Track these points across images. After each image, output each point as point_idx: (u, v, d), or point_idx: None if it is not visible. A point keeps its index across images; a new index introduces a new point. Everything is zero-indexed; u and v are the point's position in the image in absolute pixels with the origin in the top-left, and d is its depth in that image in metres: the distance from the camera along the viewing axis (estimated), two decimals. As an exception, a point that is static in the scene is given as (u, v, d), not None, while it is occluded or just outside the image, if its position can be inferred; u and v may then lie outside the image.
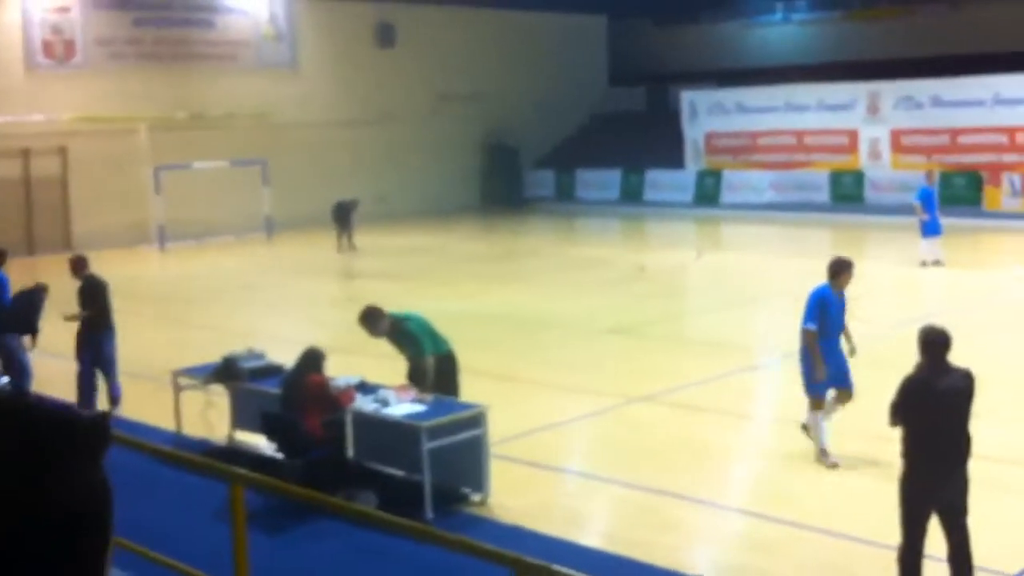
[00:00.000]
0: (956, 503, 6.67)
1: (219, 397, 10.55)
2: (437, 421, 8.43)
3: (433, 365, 9.28)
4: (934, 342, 6.88)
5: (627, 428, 11.13)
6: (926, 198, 21.24)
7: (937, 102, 31.09)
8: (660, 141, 35.80)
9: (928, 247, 21.00)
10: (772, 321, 17.05)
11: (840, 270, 9.66)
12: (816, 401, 9.52)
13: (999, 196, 29.35)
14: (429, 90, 35.12)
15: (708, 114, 35.72)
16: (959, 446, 6.71)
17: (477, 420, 8.66)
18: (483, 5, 36.10)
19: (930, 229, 20.97)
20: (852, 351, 9.67)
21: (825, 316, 9.45)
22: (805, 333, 9.52)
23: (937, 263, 20.80)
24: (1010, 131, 29.74)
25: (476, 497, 8.65)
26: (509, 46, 37.08)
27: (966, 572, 6.68)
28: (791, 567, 7.67)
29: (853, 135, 32.61)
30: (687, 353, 14.68)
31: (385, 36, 34.37)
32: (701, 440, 10.64)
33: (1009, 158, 29.69)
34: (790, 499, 8.84)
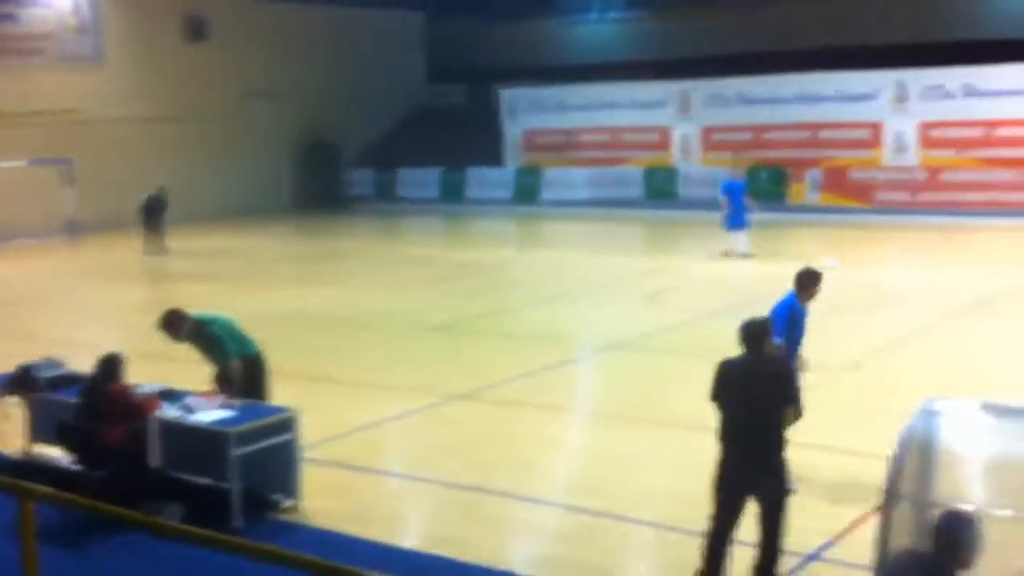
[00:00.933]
0: (767, 493, 6.79)
1: (15, 409, 9.92)
2: (245, 427, 8.12)
3: (240, 368, 8.94)
4: (748, 331, 7.01)
5: (446, 426, 11.03)
6: (731, 192, 22.04)
7: (744, 99, 32.22)
8: (481, 139, 35.95)
9: (733, 239, 21.81)
10: (590, 315, 17.34)
11: (810, 281, 9.06)
12: None
13: (803, 190, 30.65)
14: (241, 86, 34.22)
15: (527, 112, 36.07)
16: (766, 435, 6.81)
17: (287, 424, 8.38)
18: (297, 0, 35.43)
19: (735, 222, 21.77)
20: (805, 366, 8.99)
21: (792, 330, 8.84)
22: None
23: (741, 255, 21.60)
24: (812, 127, 31.08)
25: (288, 503, 8.37)
26: (325, 42, 36.50)
27: (767, 561, 6.82)
28: (604, 556, 7.71)
29: (665, 132, 33.49)
30: (508, 349, 14.70)
31: (195, 30, 33.28)
32: (520, 435, 10.64)
33: (811, 154, 31.02)
34: (605, 490, 8.91)
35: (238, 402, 8.56)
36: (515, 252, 24.80)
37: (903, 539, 4.73)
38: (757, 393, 6.86)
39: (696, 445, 10.03)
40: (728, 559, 6.84)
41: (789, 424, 6.99)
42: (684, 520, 8.02)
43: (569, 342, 15.16)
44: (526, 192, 34.86)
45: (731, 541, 6.83)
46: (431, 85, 40.34)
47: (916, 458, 4.85)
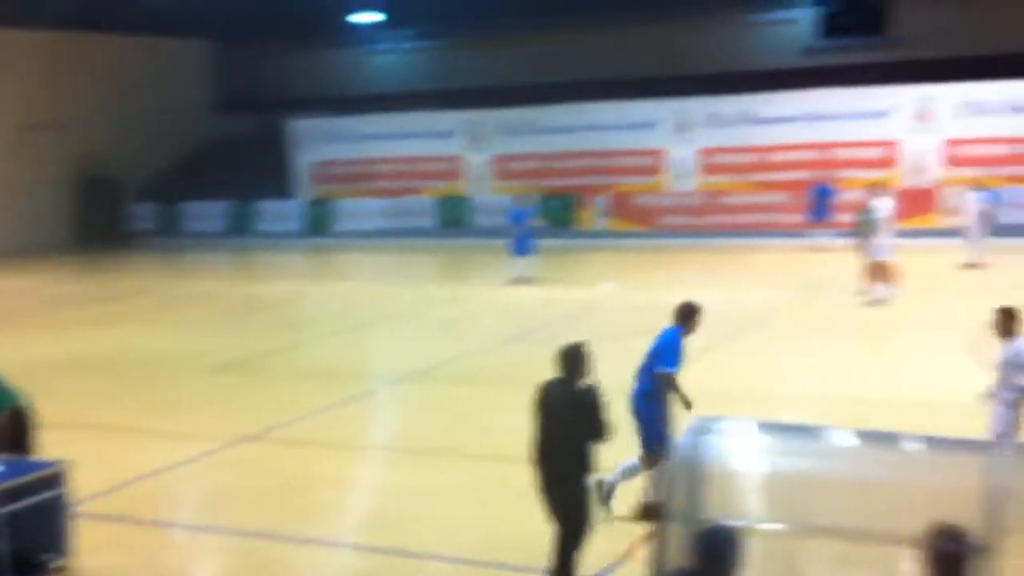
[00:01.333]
0: (565, 520, 6.92)
1: None
2: (7, 484, 7.58)
3: (2, 423, 8.35)
4: (563, 356, 7.24)
5: (234, 470, 10.62)
6: (518, 219, 22.49)
7: (534, 129, 32.81)
8: (271, 170, 35.25)
9: (520, 266, 22.21)
10: (384, 347, 17.17)
11: (694, 313, 9.08)
12: (655, 457, 8.52)
13: (591, 216, 31.41)
14: (17, 118, 32.45)
15: (318, 142, 35.63)
16: (567, 461, 6.90)
17: (55, 478, 7.87)
18: (68, 28, 33.79)
19: (521, 248, 22.20)
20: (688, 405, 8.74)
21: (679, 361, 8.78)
22: (667, 377, 8.71)
23: (528, 280, 21.99)
24: (599, 155, 31.92)
25: (58, 563, 7.86)
26: (104, 71, 35.04)
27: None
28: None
29: (457, 161, 33.72)
30: (299, 386, 14.33)
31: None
32: (313, 475, 10.36)
33: (598, 181, 31.84)
34: (401, 528, 8.76)
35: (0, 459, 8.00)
36: (306, 285, 24.37)
37: (675, 557, 4.80)
38: (563, 417, 6.96)
39: (495, 475, 10.06)
40: None
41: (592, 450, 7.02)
42: (482, 553, 7.99)
43: (363, 376, 14.94)
44: (318, 224, 34.40)
45: None
46: (219, 115, 39.32)
47: (687, 476, 4.94)
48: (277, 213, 35.00)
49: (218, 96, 39.75)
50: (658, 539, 4.78)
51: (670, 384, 8.69)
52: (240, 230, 34.76)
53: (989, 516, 4.58)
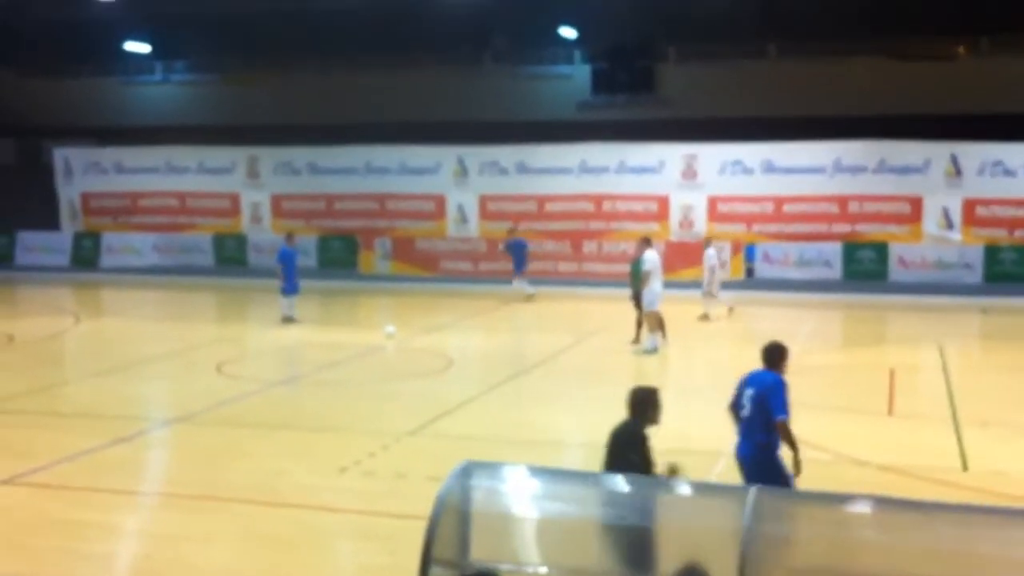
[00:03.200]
0: None
1: None
2: None
3: None
4: (630, 400, 7.59)
5: (-21, 516, 9.95)
6: (286, 259, 22.28)
7: (314, 169, 32.54)
8: (33, 200, 33.51)
9: (288, 304, 21.99)
10: (152, 388, 16.52)
11: (785, 354, 8.76)
12: None
13: (373, 259, 31.35)
14: None
15: (85, 173, 34.17)
16: None
17: None
18: None
19: (290, 288, 22.01)
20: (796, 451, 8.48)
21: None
22: (783, 427, 8.30)
23: (291, 320, 21.90)
24: (380, 198, 31.95)
25: None
26: None
27: None
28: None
29: (235, 198, 33.02)
30: (55, 428, 13.58)
31: None
32: (69, 521, 9.82)
33: (381, 223, 31.85)
34: (162, 573, 8.42)
35: None
36: (70, 322, 23.18)
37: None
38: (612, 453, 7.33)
39: (259, 520, 9.82)
40: None
41: None
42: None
43: (128, 419, 14.27)
44: (84, 258, 32.90)
45: None
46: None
47: (452, 520, 4.98)
48: (41, 245, 33.29)
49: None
50: (423, 584, 4.78)
51: (783, 434, 8.36)
52: (-1, 262, 32.86)
53: (741, 557, 4.81)
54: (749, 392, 8.52)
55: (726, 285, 24.45)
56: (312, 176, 32.58)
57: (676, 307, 20.94)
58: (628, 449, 7.34)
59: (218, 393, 15.51)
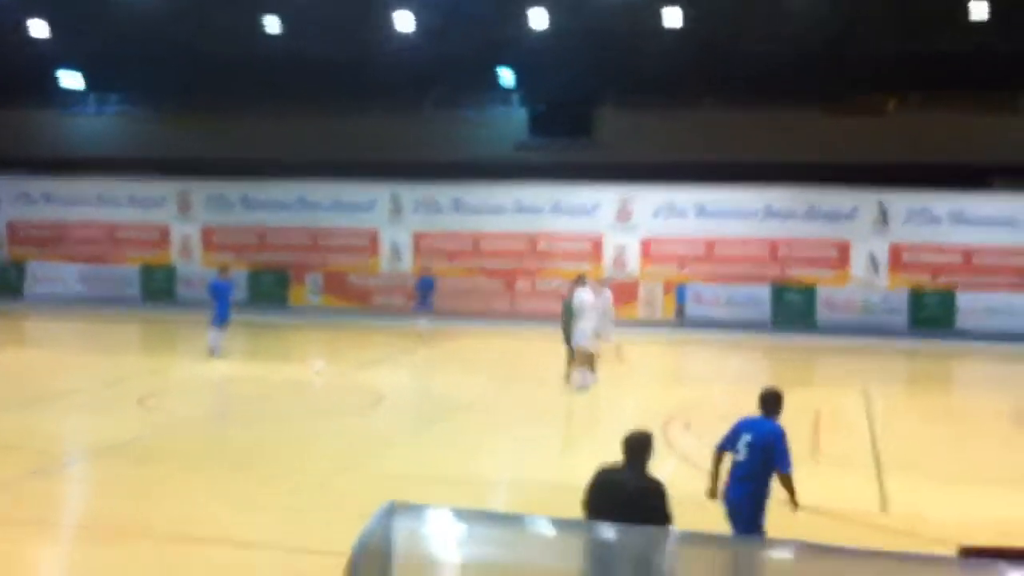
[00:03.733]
0: None
1: None
2: None
3: None
4: (629, 444, 7.15)
5: None
6: (217, 292, 22.02)
7: (247, 203, 32.29)
8: (-44, 228, 32.80)
9: (215, 336, 21.70)
10: (70, 421, 16.17)
11: (782, 401, 8.77)
12: None
13: (304, 293, 31.12)
14: None
15: (13, 202, 33.58)
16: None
17: None
18: None
19: (220, 319, 21.74)
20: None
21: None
22: (787, 480, 8.46)
23: (226, 354, 21.72)
24: (313, 233, 31.78)
25: None
26: None
27: None
28: None
29: (164, 230, 32.63)
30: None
31: None
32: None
33: (313, 258, 31.66)
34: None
35: None
36: (-9, 353, 22.65)
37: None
38: (629, 508, 6.68)
39: (178, 557, 9.61)
40: None
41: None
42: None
43: (45, 452, 13.91)
44: (8, 286, 32.23)
45: None
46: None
47: (373, 563, 4.91)
48: (-37, 273, 32.58)
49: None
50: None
51: (789, 485, 8.50)
52: (-83, 290, 32.06)
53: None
54: (747, 438, 8.55)
55: (658, 324, 24.62)
56: (245, 210, 32.33)
57: (606, 346, 21.01)
58: (656, 499, 7.03)
59: (139, 427, 15.21)
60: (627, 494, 6.94)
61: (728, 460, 8.72)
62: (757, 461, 8.45)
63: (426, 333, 25.47)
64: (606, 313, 21.63)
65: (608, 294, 21.92)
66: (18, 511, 10.98)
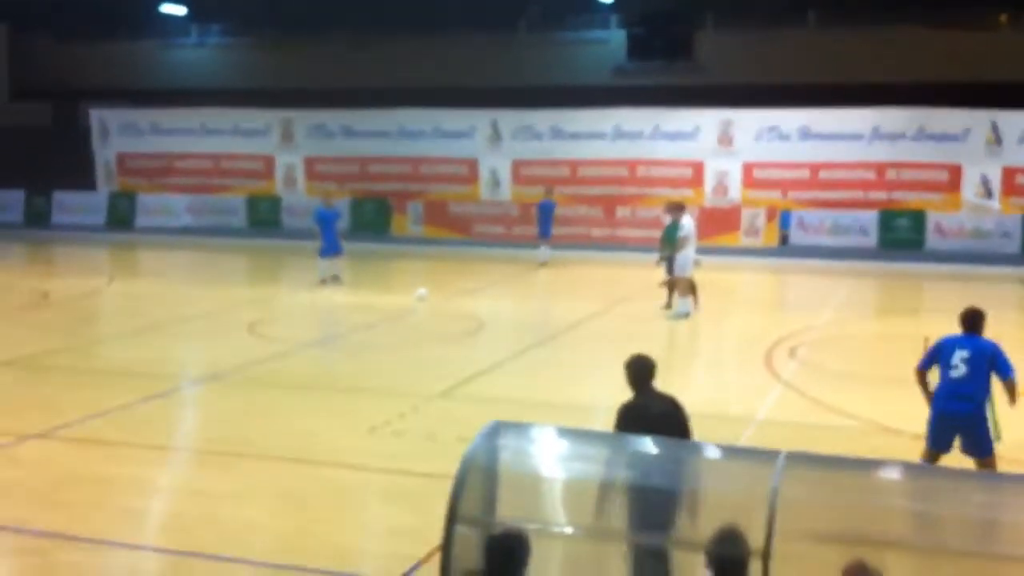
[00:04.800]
0: None
1: None
2: None
3: None
4: (641, 369, 7.07)
5: (17, 468, 10.08)
6: (323, 220, 22.35)
7: (348, 132, 32.54)
8: (69, 161, 33.75)
9: (326, 266, 22.07)
10: (185, 348, 16.65)
11: (981, 318, 9.43)
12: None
13: (405, 222, 31.38)
14: None
15: (120, 134, 34.36)
16: None
17: None
18: None
19: (328, 250, 22.05)
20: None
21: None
22: (1012, 384, 8.94)
23: (335, 279, 22.06)
24: (413, 162, 31.92)
25: None
26: None
27: None
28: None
29: (269, 161, 33.09)
30: (91, 384, 13.72)
31: None
32: (104, 476, 9.93)
33: (413, 187, 31.85)
34: (199, 530, 8.52)
35: None
36: (105, 281, 23.37)
37: (467, 560, 4.82)
38: (662, 430, 6.57)
39: (291, 479, 9.89)
40: None
41: None
42: (277, 556, 7.84)
43: (160, 376, 14.39)
44: (120, 218, 33.16)
45: None
46: (13, 103, 37.33)
47: (479, 478, 4.97)
48: (77, 205, 33.56)
49: (12, 84, 37.75)
50: (446, 541, 4.78)
51: (1013, 389, 8.93)
52: (36, 222, 33.15)
53: (768, 522, 4.77)
54: (963, 354, 8.99)
55: (761, 252, 24.24)
56: (345, 139, 32.59)
57: (708, 275, 20.79)
58: (683, 417, 7.03)
59: (250, 353, 15.60)
60: (652, 419, 6.80)
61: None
62: (978, 373, 8.86)
63: (548, 260, 25.47)
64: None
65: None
66: (136, 436, 11.37)
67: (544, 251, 25.91)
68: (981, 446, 8.83)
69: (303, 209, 31.30)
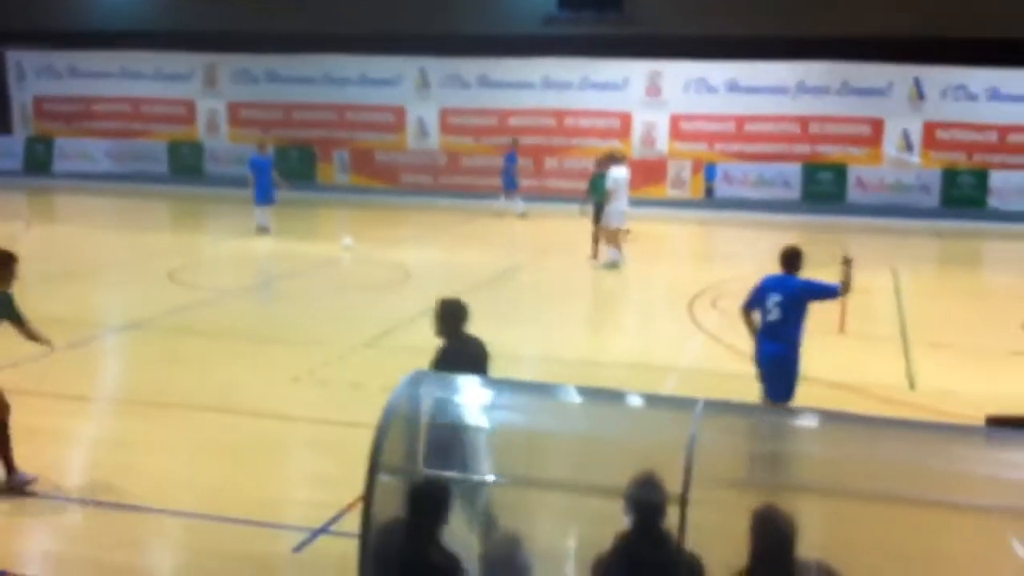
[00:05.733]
0: None
1: None
2: None
3: None
4: (454, 313, 7.14)
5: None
6: (257, 168, 22.17)
7: (273, 77, 31.99)
8: (-16, 103, 32.76)
9: (260, 214, 21.93)
10: (103, 295, 16.36)
11: (801, 257, 9.18)
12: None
13: (331, 170, 31.03)
14: None
15: (38, 77, 33.42)
16: None
17: None
18: None
19: (262, 197, 21.90)
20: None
21: None
22: (842, 291, 8.89)
23: (265, 230, 21.88)
24: (339, 108, 31.50)
25: None
26: None
27: None
28: (118, 550, 7.27)
29: (191, 106, 32.43)
30: (5, 333, 13.37)
31: None
32: (21, 427, 9.70)
33: (340, 135, 31.47)
34: (121, 481, 8.43)
35: None
36: (21, 227, 22.82)
37: (389, 507, 4.83)
38: (478, 370, 6.84)
39: (212, 428, 9.81)
40: None
41: None
42: (200, 506, 7.80)
43: (79, 324, 14.13)
44: (37, 163, 32.34)
45: None
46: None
47: (400, 428, 4.97)
48: (-9, 149, 32.65)
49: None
50: (368, 490, 4.78)
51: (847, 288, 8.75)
52: (-53, 166, 32.20)
53: (686, 468, 4.84)
54: (776, 298, 8.77)
55: (687, 204, 24.44)
56: (270, 85, 32.04)
57: (637, 225, 20.92)
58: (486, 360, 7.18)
59: (171, 301, 15.39)
60: (471, 359, 6.97)
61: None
62: (789, 315, 8.68)
63: (518, 211, 25.36)
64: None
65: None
66: (54, 386, 11.18)
67: (519, 203, 25.80)
68: (783, 390, 8.69)
69: (226, 155, 30.81)
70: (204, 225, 25.52)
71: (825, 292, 8.79)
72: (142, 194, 29.26)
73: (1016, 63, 27.57)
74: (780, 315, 8.69)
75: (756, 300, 8.91)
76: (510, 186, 26.01)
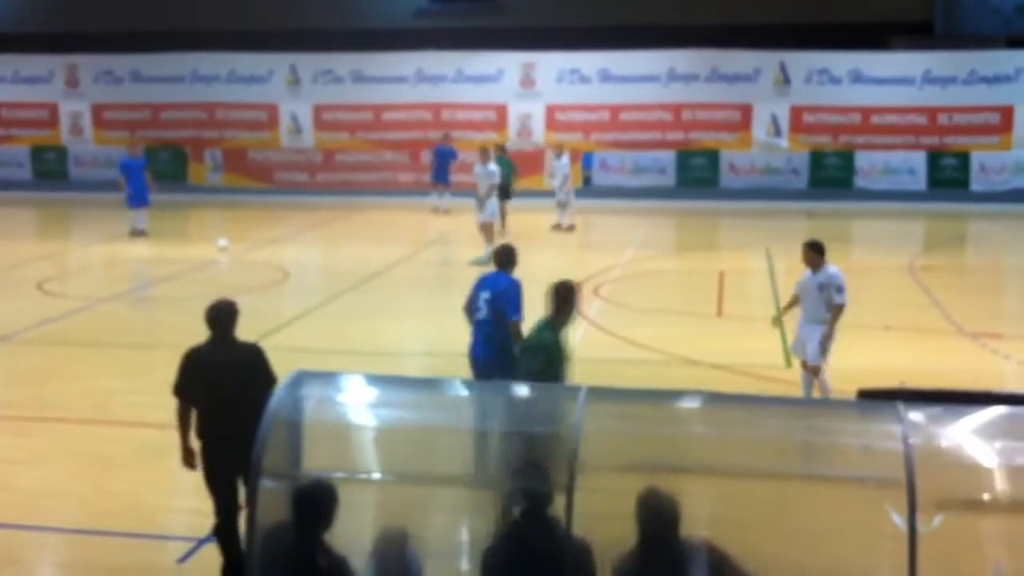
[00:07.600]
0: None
1: None
2: None
3: None
4: (215, 318, 6.88)
5: None
6: (129, 170, 21.74)
7: (137, 77, 31.14)
8: None
9: (136, 216, 21.49)
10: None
11: (515, 257, 8.92)
12: None
13: (203, 171, 30.38)
14: None
15: None
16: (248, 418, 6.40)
17: None
18: None
19: (135, 199, 21.46)
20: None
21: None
22: (515, 328, 8.42)
23: (140, 232, 21.53)
24: (209, 107, 30.83)
25: None
26: None
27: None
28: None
29: (53, 108, 31.36)
30: None
31: None
32: None
33: (210, 134, 30.80)
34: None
35: None
36: None
37: (274, 512, 4.75)
38: (231, 381, 6.49)
39: (88, 440, 9.51)
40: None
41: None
42: (87, 522, 7.56)
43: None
44: None
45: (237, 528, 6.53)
46: None
47: (282, 431, 4.89)
48: None
49: None
50: (250, 495, 4.69)
51: (518, 334, 8.23)
52: None
53: (571, 456, 4.87)
54: (485, 295, 8.55)
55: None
56: (135, 85, 31.16)
57: (513, 217, 21.02)
58: (265, 364, 6.97)
59: (41, 312, 14.86)
60: (218, 368, 6.73)
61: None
62: (493, 315, 8.47)
63: (447, 208, 25.14)
64: (567, 179, 22.11)
65: (566, 161, 22.88)
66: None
67: (446, 198, 25.54)
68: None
69: (92, 159, 29.93)
70: (72, 231, 24.72)
71: (511, 308, 8.42)
72: (5, 202, 28.18)
73: (876, 46, 28.55)
74: (487, 313, 8.50)
75: (472, 300, 8.76)
76: (440, 179, 25.82)
